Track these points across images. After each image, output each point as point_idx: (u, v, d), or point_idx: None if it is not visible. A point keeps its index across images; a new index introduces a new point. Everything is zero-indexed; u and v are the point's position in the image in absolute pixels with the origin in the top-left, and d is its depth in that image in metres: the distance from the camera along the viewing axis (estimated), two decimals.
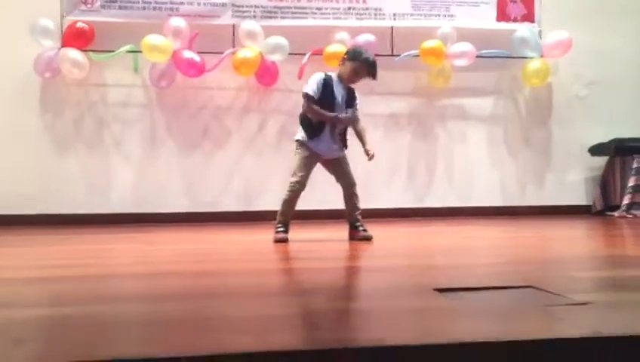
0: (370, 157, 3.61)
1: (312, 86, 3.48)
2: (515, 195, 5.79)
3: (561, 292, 1.75)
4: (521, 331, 1.36)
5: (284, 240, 3.44)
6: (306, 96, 3.47)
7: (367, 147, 3.61)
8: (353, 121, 3.60)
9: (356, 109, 3.61)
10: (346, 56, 3.57)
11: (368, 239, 3.52)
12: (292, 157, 3.59)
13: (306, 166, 3.51)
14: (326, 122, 3.48)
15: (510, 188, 5.80)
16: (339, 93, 3.52)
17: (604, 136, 5.67)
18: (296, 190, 3.49)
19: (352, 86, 3.61)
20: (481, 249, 3.36)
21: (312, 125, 3.49)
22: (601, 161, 5.82)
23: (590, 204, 5.83)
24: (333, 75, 3.57)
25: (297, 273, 2.54)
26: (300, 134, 3.55)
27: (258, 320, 1.56)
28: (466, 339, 1.27)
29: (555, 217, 5.40)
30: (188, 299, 1.85)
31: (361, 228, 3.57)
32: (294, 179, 3.49)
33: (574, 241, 3.76)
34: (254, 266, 2.73)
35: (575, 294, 1.72)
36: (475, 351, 1.23)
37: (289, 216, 3.55)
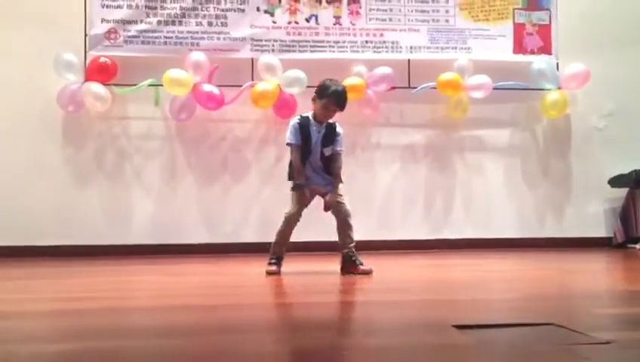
0: (326, 208, 3.55)
1: (290, 133, 3.56)
2: (534, 227, 5.74)
3: (583, 329, 1.73)
4: None
5: (274, 273, 3.47)
6: (288, 145, 3.58)
7: (328, 197, 3.54)
8: (334, 157, 3.59)
9: (337, 146, 3.59)
10: (315, 94, 3.60)
11: (367, 273, 3.46)
12: None
13: (299, 199, 3.55)
14: (302, 167, 3.54)
15: (529, 220, 5.75)
16: (314, 133, 3.56)
17: (624, 168, 5.62)
18: (289, 222, 3.54)
19: (332, 121, 3.63)
20: (499, 282, 3.33)
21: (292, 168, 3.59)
22: (621, 192, 5.76)
23: (610, 235, 5.75)
24: (310, 114, 3.62)
25: (313, 307, 2.53)
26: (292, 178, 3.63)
27: (268, 356, 1.56)
28: None
29: (574, 250, 5.33)
30: (202, 334, 1.86)
31: (358, 263, 3.53)
32: (287, 210, 3.55)
33: (595, 275, 3.71)
34: (267, 300, 2.74)
35: (597, 332, 1.70)
36: None
37: (284, 248, 3.59)
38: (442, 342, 1.67)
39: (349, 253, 3.54)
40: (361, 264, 3.52)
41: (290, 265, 3.69)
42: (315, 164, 3.58)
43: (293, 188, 3.59)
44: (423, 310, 2.36)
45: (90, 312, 2.30)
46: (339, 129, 3.63)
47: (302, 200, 3.55)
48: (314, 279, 3.36)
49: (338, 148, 3.59)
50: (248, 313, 2.28)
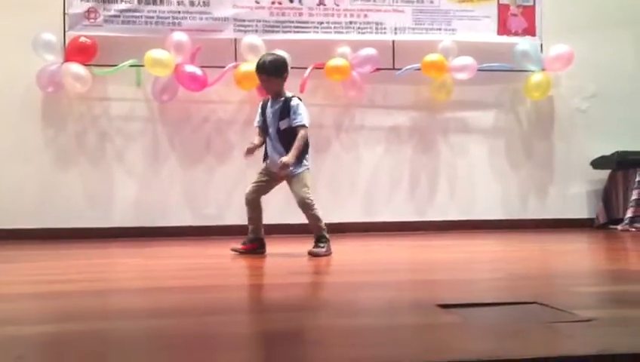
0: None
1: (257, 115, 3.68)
2: (517, 209, 5.78)
3: (565, 308, 1.74)
4: (528, 349, 1.35)
5: (236, 250, 3.57)
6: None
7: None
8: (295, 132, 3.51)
9: (293, 118, 3.50)
10: None
11: (312, 254, 3.45)
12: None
13: (259, 176, 3.65)
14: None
15: (512, 201, 5.78)
16: (270, 110, 3.58)
17: (606, 149, 5.66)
18: (245, 198, 3.64)
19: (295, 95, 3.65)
20: (483, 263, 3.35)
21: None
22: (603, 174, 5.81)
23: (593, 217, 5.81)
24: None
25: (298, 288, 2.53)
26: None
27: (258, 336, 1.55)
28: (471, 357, 1.26)
29: (557, 231, 5.38)
30: (188, 315, 1.84)
31: (316, 245, 3.52)
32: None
33: (577, 255, 3.74)
34: (256, 281, 2.72)
35: (580, 310, 1.71)
36: None
37: (251, 227, 3.63)
38: (427, 321, 1.68)
39: (315, 237, 3.56)
40: (316, 246, 3.50)
41: (274, 247, 3.68)
42: (274, 140, 3.56)
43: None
44: (407, 290, 2.37)
45: (71, 295, 2.27)
46: (293, 102, 3.55)
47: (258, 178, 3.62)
48: (297, 261, 3.35)
49: (294, 123, 3.50)
50: (232, 294, 2.27)
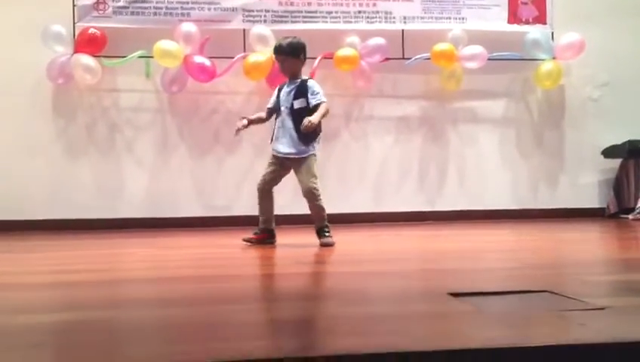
0: (306, 122, 3.37)
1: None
2: (528, 198, 5.76)
3: (577, 296, 1.74)
4: (539, 337, 1.35)
5: (249, 241, 3.55)
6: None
7: (309, 117, 3.38)
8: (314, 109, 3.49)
9: (312, 97, 3.49)
10: None
11: (324, 245, 3.43)
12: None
13: (270, 165, 3.61)
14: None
15: (523, 190, 5.76)
16: (285, 90, 3.59)
17: (617, 138, 5.62)
18: (258, 188, 3.61)
19: (307, 77, 3.68)
20: (494, 252, 3.34)
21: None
22: (614, 163, 5.77)
23: (604, 206, 5.77)
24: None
25: (309, 277, 2.53)
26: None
27: (270, 325, 1.55)
28: (483, 345, 1.25)
29: (568, 220, 5.36)
30: (199, 304, 1.85)
31: (323, 234, 3.50)
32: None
33: (588, 244, 3.73)
34: (266, 270, 2.73)
35: (591, 298, 1.70)
36: (493, 357, 1.22)
37: (263, 217, 3.60)
38: (438, 309, 1.67)
39: (316, 226, 3.55)
40: (324, 236, 3.49)
41: (283, 237, 3.69)
42: (284, 117, 3.54)
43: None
44: (418, 279, 2.37)
45: (83, 284, 2.29)
46: (310, 82, 3.60)
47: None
48: (307, 251, 3.36)
49: (315, 101, 3.49)
50: (242, 284, 2.27)
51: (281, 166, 3.58)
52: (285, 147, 3.53)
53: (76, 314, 1.72)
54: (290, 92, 3.56)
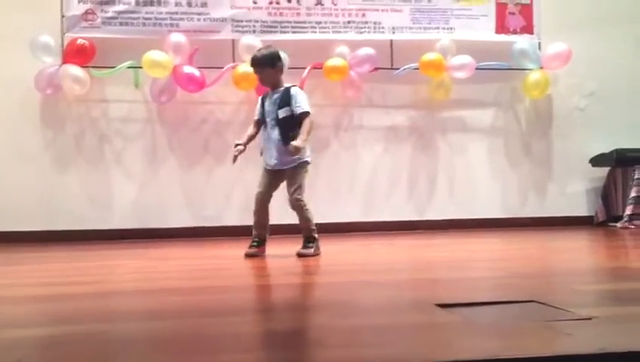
0: (292, 148, 3.37)
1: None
2: (517, 207, 5.78)
3: (564, 306, 1.75)
4: (525, 347, 1.35)
5: (253, 255, 3.48)
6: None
7: (294, 141, 3.38)
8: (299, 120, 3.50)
9: (295, 106, 3.49)
10: None
11: (299, 255, 3.45)
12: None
13: (263, 177, 3.60)
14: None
15: (511, 199, 5.79)
16: (269, 101, 3.58)
17: (605, 147, 5.66)
18: (256, 201, 3.54)
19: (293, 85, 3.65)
20: (482, 262, 3.35)
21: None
22: (602, 171, 5.81)
23: (592, 214, 5.81)
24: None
25: (298, 288, 2.53)
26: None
27: (258, 337, 1.55)
28: (470, 357, 1.26)
29: (556, 228, 5.39)
30: (188, 317, 1.84)
31: (305, 245, 3.53)
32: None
33: (577, 253, 3.75)
34: (255, 282, 2.72)
35: (579, 308, 1.71)
36: None
37: (261, 229, 3.56)
38: (426, 320, 1.68)
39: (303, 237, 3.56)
40: (304, 247, 3.50)
41: (273, 248, 3.68)
42: (270, 129, 3.54)
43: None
44: (406, 290, 2.37)
45: (71, 297, 2.27)
46: (292, 90, 3.56)
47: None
48: (297, 262, 3.35)
49: (297, 110, 3.48)
50: (231, 296, 2.27)
51: (273, 176, 3.58)
52: (273, 159, 3.53)
53: (63, 328, 1.70)
54: (274, 102, 3.55)
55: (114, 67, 5.06)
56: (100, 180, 5.24)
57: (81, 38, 5.07)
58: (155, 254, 4.00)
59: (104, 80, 5.18)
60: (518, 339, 1.44)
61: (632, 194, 5.44)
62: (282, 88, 3.57)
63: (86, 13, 5.10)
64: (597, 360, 1.25)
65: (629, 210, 5.42)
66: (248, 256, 3.48)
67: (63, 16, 5.10)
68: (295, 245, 3.58)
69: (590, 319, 1.58)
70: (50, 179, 5.18)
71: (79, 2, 5.10)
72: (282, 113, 3.51)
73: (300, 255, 3.45)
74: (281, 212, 3.67)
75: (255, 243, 3.54)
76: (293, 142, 3.37)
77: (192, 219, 5.31)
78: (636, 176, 5.45)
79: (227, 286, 2.52)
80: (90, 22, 5.11)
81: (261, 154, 3.64)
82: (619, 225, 5.44)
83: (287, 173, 3.53)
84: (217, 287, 2.49)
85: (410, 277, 2.77)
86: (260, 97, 3.71)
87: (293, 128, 3.47)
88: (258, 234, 3.56)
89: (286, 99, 3.52)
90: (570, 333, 1.44)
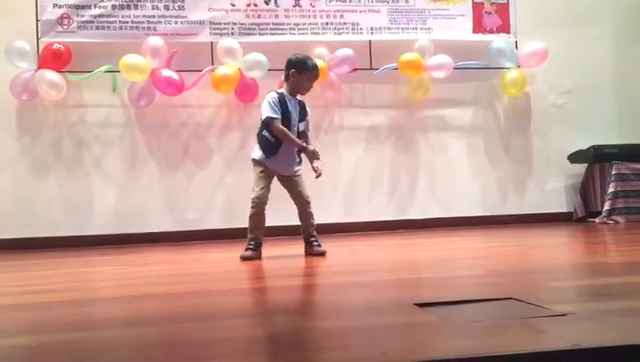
0: (318, 175, 3.56)
1: (271, 108, 3.47)
2: (497, 204, 5.83)
3: (541, 303, 1.76)
4: (501, 345, 1.37)
5: (251, 258, 3.43)
6: (271, 120, 3.47)
7: (315, 164, 3.57)
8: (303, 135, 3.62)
9: (308, 125, 3.68)
10: (293, 70, 3.58)
11: (322, 254, 3.52)
12: None
13: (264, 180, 3.52)
14: (291, 145, 3.51)
15: (491, 197, 5.84)
16: (293, 108, 3.55)
17: (582, 143, 5.73)
18: (258, 204, 3.49)
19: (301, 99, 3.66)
20: (462, 260, 3.37)
21: (270, 145, 3.51)
22: (580, 168, 5.89)
23: (571, 210, 5.88)
24: (284, 91, 3.61)
25: (276, 291, 2.53)
26: (257, 153, 3.57)
27: (238, 341, 1.55)
28: (447, 356, 1.27)
29: (536, 225, 5.44)
30: (169, 323, 1.83)
31: (315, 244, 3.57)
32: (254, 194, 3.50)
33: (555, 250, 3.79)
34: (235, 286, 2.72)
35: (555, 305, 1.73)
36: None
37: (258, 232, 3.53)
38: (404, 321, 1.68)
39: (309, 236, 3.59)
40: (319, 245, 3.57)
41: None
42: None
43: (257, 164, 3.56)
44: (386, 290, 2.38)
45: (50, 305, 2.25)
46: (308, 108, 3.67)
47: (266, 179, 3.54)
48: (279, 263, 3.35)
49: (308, 129, 3.68)
50: (216, 299, 2.26)
51: (270, 180, 3.57)
52: (288, 168, 3.57)
53: (41, 337, 1.68)
54: (295, 110, 3.56)
55: (91, 71, 5.02)
56: (78, 186, 5.20)
57: (57, 42, 5.03)
58: (136, 260, 3.97)
59: (81, 85, 5.14)
60: (493, 338, 1.45)
61: (610, 189, 5.51)
62: (297, 99, 3.60)
63: (61, 17, 5.06)
64: (570, 356, 1.26)
65: (607, 206, 5.49)
66: (245, 259, 3.43)
67: (38, 21, 5.05)
68: (277, 248, 3.57)
69: (565, 315, 1.59)
70: (28, 185, 5.13)
71: (54, 7, 5.05)
72: (301, 127, 3.59)
73: (322, 253, 3.51)
74: (269, 215, 3.65)
75: (252, 246, 3.51)
76: (314, 149, 3.52)
77: (173, 223, 5.29)
78: (614, 172, 5.52)
79: (207, 291, 2.51)
80: (65, 26, 5.07)
81: (266, 157, 3.54)
82: (597, 220, 5.51)
83: (292, 179, 3.58)
84: (199, 292, 2.48)
85: (390, 278, 2.78)
86: (277, 96, 3.53)
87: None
88: (256, 237, 3.54)
89: (303, 114, 3.59)
90: (544, 330, 1.45)
